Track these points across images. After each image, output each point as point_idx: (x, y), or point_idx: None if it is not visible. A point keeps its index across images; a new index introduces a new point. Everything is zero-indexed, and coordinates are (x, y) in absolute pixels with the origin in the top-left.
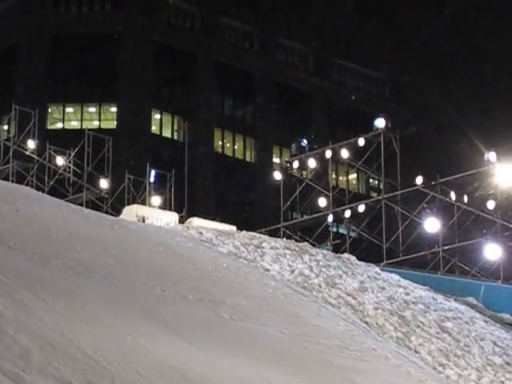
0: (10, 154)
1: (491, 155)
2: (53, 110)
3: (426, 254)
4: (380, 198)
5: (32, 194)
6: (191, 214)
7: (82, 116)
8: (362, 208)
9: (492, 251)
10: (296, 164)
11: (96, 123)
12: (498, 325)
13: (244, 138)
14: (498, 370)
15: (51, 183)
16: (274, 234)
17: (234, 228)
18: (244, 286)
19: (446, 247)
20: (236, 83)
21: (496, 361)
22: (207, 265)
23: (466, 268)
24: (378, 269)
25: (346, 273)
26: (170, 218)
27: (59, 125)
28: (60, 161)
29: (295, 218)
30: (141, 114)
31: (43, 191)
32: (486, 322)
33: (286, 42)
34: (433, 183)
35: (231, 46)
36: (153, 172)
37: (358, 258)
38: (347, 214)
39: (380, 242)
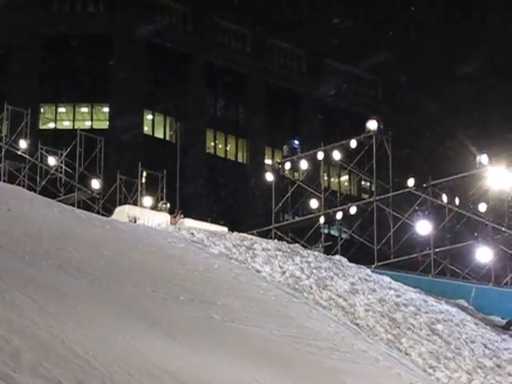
0: (2, 153)
1: (483, 158)
2: (45, 110)
3: (418, 256)
4: (372, 199)
5: (23, 194)
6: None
7: (74, 116)
8: (353, 210)
9: (483, 254)
10: (288, 165)
11: (88, 123)
12: (488, 327)
13: (236, 139)
14: (489, 373)
15: (43, 183)
16: (265, 235)
17: (225, 229)
18: (235, 287)
19: (438, 249)
20: (228, 84)
21: (486, 363)
22: (198, 266)
23: (457, 270)
24: (369, 271)
25: (337, 274)
26: (162, 218)
27: (51, 125)
28: (52, 161)
29: (287, 220)
30: (133, 115)
31: (35, 191)
32: (476, 324)
33: (278, 43)
34: (424, 185)
35: (224, 47)
36: (144, 173)
37: (350, 260)
38: (339, 215)
39: (371, 243)
